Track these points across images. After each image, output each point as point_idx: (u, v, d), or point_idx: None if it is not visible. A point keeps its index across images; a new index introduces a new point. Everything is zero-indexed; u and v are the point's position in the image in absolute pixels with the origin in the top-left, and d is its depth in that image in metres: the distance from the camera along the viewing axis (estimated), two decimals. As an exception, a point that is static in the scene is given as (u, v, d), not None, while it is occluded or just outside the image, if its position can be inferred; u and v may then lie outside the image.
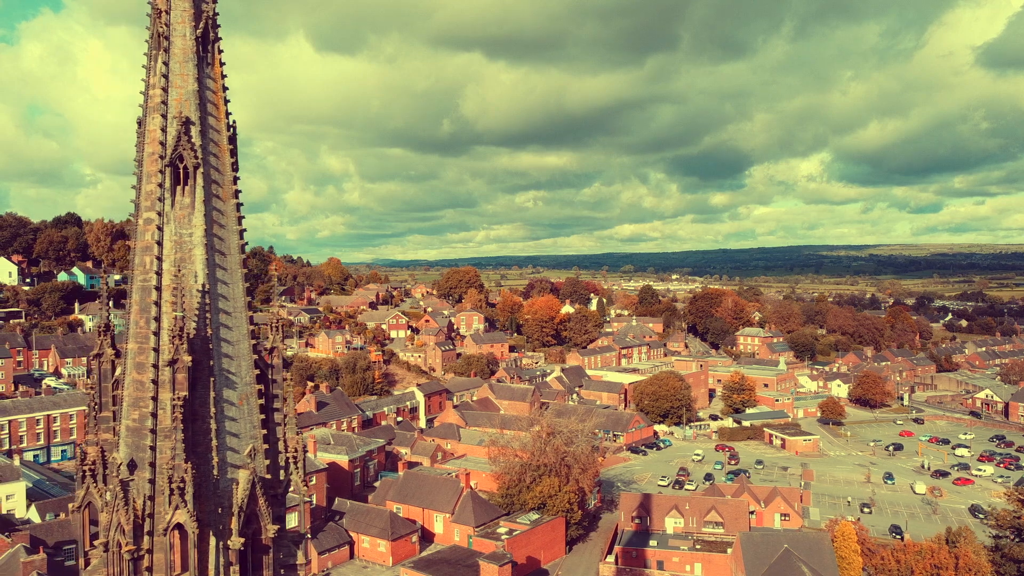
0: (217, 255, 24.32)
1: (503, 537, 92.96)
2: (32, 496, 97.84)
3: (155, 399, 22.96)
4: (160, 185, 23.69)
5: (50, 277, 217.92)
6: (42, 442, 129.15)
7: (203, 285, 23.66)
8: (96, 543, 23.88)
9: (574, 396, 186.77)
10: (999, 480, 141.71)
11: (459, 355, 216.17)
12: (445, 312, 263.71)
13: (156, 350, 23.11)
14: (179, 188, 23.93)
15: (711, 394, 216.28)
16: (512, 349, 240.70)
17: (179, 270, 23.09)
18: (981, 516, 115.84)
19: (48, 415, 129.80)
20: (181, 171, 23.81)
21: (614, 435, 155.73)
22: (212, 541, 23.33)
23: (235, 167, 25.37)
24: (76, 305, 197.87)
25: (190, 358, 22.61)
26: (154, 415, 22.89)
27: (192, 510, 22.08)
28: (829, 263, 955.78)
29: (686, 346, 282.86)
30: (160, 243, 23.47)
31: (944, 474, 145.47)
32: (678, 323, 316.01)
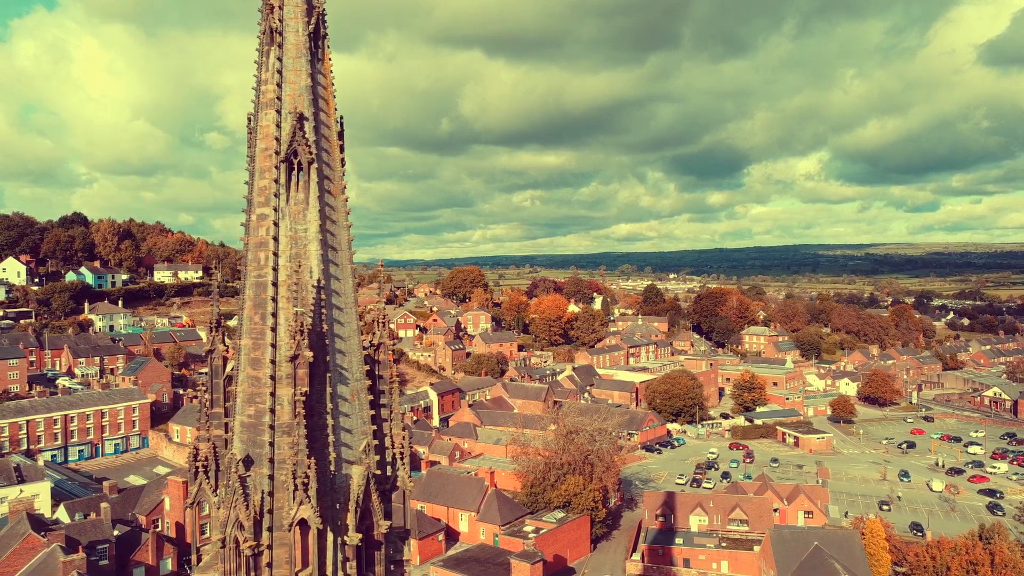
0: (330, 251, 24.29)
1: (530, 535, 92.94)
2: (55, 496, 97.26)
3: (273, 395, 22.88)
4: (275, 181, 23.63)
5: (58, 277, 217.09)
6: (59, 442, 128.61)
7: (318, 281, 23.65)
8: (213, 538, 23.89)
9: (586, 395, 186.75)
10: (1013, 477, 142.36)
11: (468, 354, 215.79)
12: (452, 312, 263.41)
13: (273, 346, 23.05)
14: (293, 184, 23.91)
15: (720, 393, 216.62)
16: (520, 348, 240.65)
17: (299, 265, 23.01)
18: (1001, 513, 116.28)
19: (65, 415, 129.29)
20: (295, 166, 23.80)
21: (629, 433, 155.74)
22: (330, 537, 23.34)
23: (343, 162, 25.35)
24: (85, 305, 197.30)
25: (311, 354, 22.58)
26: (272, 411, 22.82)
27: (316, 506, 22.03)
28: (826, 262, 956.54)
29: (692, 345, 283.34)
30: (276, 239, 23.41)
31: (959, 471, 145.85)
32: (683, 322, 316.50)
